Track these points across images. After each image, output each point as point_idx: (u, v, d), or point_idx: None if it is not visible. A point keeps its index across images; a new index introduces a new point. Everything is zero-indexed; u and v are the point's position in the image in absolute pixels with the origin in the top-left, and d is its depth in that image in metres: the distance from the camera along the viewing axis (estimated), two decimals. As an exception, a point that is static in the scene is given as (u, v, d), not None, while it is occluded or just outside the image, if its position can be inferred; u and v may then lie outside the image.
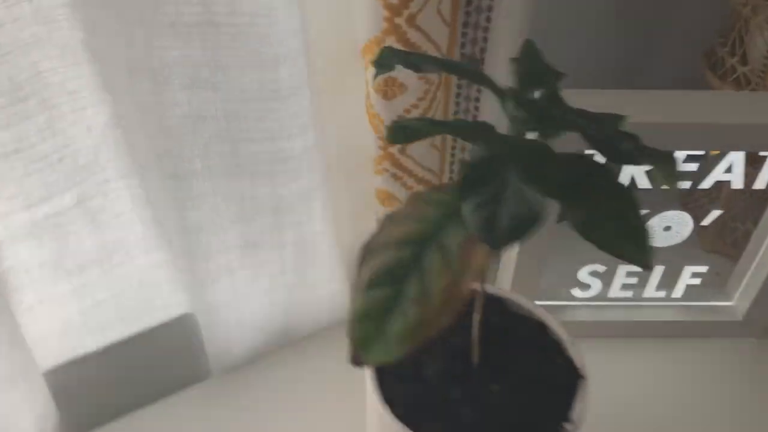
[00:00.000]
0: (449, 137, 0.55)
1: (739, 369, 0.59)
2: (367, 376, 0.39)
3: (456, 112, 0.54)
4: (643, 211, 0.43)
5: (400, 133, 0.31)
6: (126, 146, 0.46)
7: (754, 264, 0.56)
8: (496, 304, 0.43)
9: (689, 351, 0.60)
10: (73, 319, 0.52)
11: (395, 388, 0.38)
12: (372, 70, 0.47)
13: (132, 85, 0.41)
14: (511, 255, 0.54)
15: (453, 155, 0.57)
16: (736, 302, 0.60)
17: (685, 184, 0.51)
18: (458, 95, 0.52)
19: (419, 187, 0.57)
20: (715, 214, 0.54)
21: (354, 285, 0.32)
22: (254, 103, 0.43)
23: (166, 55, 0.40)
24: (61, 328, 0.52)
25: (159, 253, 0.53)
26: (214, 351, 0.57)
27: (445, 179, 0.58)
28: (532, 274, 0.55)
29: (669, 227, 0.54)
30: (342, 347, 0.31)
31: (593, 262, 0.57)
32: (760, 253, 0.55)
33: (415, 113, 0.51)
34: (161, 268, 0.54)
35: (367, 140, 0.53)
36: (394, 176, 0.55)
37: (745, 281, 0.58)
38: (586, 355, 0.40)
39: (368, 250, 0.32)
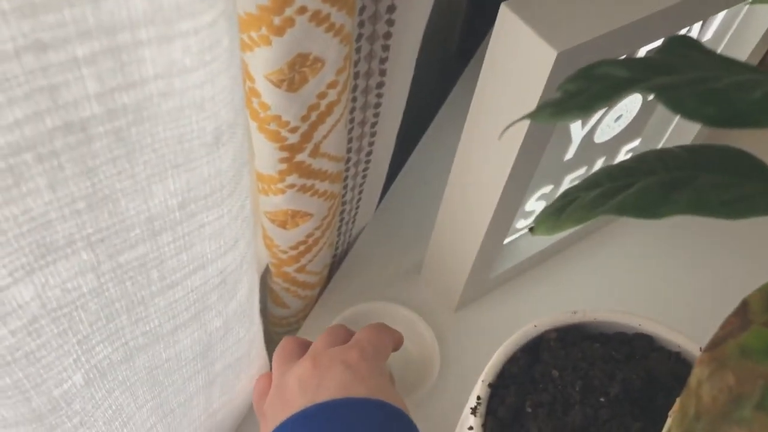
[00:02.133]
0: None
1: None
2: None
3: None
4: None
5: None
6: None
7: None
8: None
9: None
10: None
11: None
12: (262, 55, 0.30)
13: None
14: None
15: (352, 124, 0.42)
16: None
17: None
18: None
19: (332, 189, 0.41)
20: None
21: None
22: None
23: None
24: None
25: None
26: None
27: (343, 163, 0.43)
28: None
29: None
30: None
31: (539, 186, 0.48)
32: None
33: (332, 95, 0.34)
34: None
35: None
36: (303, 188, 0.39)
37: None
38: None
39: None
